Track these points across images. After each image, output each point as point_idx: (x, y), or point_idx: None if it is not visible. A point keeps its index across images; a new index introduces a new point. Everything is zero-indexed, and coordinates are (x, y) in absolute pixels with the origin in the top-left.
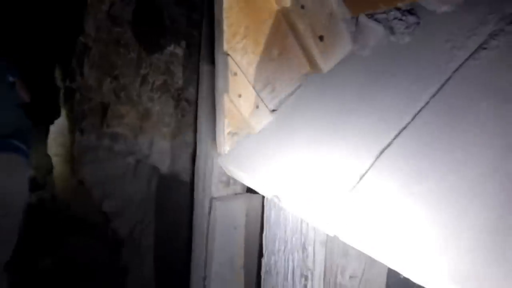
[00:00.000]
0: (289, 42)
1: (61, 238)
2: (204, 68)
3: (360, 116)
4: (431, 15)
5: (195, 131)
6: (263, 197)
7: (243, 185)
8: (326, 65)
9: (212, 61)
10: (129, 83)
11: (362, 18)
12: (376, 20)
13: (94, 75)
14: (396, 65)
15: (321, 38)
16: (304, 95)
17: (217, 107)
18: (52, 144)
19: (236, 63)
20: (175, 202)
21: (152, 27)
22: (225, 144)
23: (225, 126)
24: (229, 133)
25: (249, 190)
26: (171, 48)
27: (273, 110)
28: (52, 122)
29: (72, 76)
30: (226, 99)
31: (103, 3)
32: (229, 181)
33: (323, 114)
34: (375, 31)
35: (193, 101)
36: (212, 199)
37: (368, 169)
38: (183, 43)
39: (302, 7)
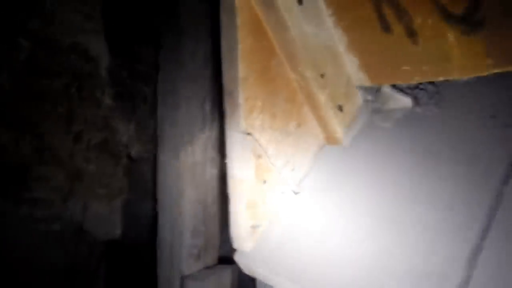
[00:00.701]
0: (304, 113)
1: None
2: (163, 126)
3: (421, 206)
4: (449, 84)
5: (152, 196)
6: (239, 270)
7: (214, 254)
8: (346, 137)
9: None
10: (57, 141)
11: (386, 88)
12: (399, 89)
13: (8, 134)
14: (436, 142)
15: (340, 108)
16: (327, 173)
17: (233, 196)
18: None
19: (260, 144)
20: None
21: (85, 79)
22: (246, 239)
23: (247, 218)
24: (252, 226)
25: (221, 261)
26: (109, 101)
27: (297, 193)
28: None
29: None
30: (247, 187)
31: (21, 51)
32: (200, 253)
33: (366, 200)
34: (398, 101)
35: (139, 159)
36: (183, 278)
37: (468, 281)
38: (126, 96)
39: (322, 76)
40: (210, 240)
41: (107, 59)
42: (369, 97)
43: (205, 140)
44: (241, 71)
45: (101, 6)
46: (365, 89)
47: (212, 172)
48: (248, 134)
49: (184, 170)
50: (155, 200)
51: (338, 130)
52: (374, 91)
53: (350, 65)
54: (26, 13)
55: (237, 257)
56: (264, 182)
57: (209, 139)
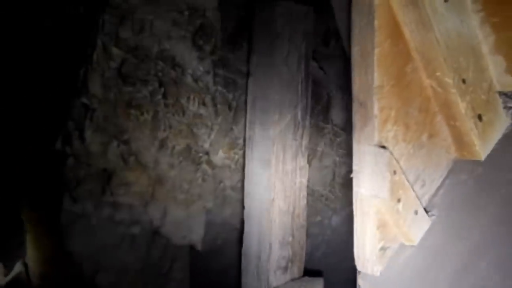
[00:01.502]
0: (437, 123)
1: None
2: (253, 132)
3: None
4: None
5: (230, 203)
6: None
7: (300, 266)
8: (483, 149)
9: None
10: (143, 148)
11: None
12: None
13: (97, 139)
14: None
15: (479, 117)
16: (462, 189)
17: (360, 214)
18: (24, 208)
19: (395, 159)
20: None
21: (171, 85)
22: (374, 262)
23: (376, 239)
24: (381, 248)
25: (306, 272)
26: (194, 108)
27: (431, 213)
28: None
29: (67, 140)
30: (379, 205)
31: (112, 60)
32: (287, 265)
33: None
34: None
35: (220, 165)
36: None
37: None
38: (209, 103)
39: (464, 81)
40: (297, 252)
41: (194, 65)
42: (511, 104)
43: (296, 148)
44: (377, 79)
45: (189, 11)
46: (507, 95)
47: (301, 181)
48: (383, 147)
49: (275, 178)
50: (233, 207)
51: (476, 142)
52: None
53: (494, 68)
54: (119, 21)
55: (361, 280)
56: (398, 200)
57: (299, 147)
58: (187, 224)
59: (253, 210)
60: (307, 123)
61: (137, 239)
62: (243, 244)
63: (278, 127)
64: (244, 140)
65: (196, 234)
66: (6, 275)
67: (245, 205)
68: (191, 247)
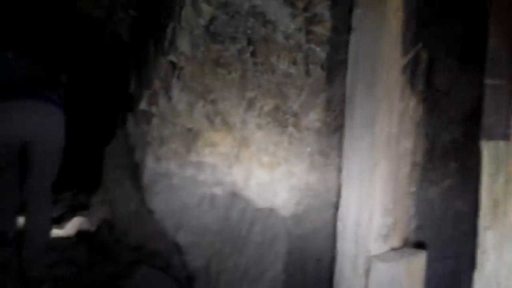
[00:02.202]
0: None
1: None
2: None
3: None
4: None
5: (319, 167)
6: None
7: (400, 236)
8: None
9: None
10: (230, 108)
11: None
12: None
13: (184, 98)
14: None
15: None
16: None
17: None
18: (109, 167)
19: None
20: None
21: (261, 43)
22: None
23: None
24: None
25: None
26: (284, 67)
27: None
28: (107, 144)
29: (153, 100)
30: None
31: (201, 17)
32: (388, 233)
33: None
34: None
35: (306, 128)
36: (370, 257)
37: None
38: (301, 62)
39: None
40: (399, 220)
41: (285, 22)
42: None
43: (403, 109)
44: None
45: None
46: None
47: (406, 145)
48: None
49: (379, 141)
50: (319, 172)
51: None
52: None
53: None
54: None
55: None
56: None
57: (406, 109)
58: (270, 187)
59: (352, 175)
60: (415, 84)
61: (217, 200)
62: (340, 209)
63: (385, 86)
64: (337, 102)
65: (279, 198)
66: None
67: (344, 169)
68: (272, 211)
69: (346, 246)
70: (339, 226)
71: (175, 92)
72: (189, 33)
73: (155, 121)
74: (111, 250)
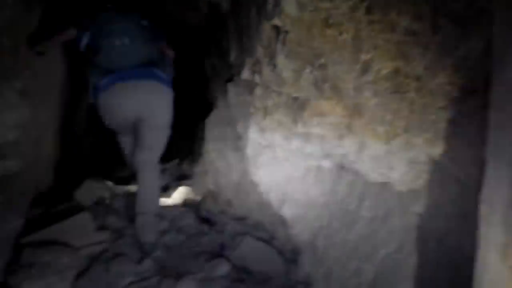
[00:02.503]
0: None
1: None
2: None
3: None
4: None
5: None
6: None
7: None
8: None
9: None
10: (341, 72)
11: None
12: None
13: (290, 65)
14: None
15: None
16: None
17: None
18: (210, 138)
19: None
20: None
21: None
22: None
23: None
24: None
25: None
26: (406, 23)
27: None
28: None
29: (255, 68)
30: None
31: None
32: None
33: None
34: None
35: (431, 92)
36: None
37: None
38: (427, 16)
39: None
40: None
41: None
42: None
43: None
44: None
45: None
46: None
47: None
48: None
49: None
50: (445, 144)
51: None
52: None
53: None
54: None
55: None
56: None
57: None
58: (386, 160)
59: (503, 147)
60: None
61: (323, 173)
62: (485, 188)
63: None
64: (474, 61)
65: (395, 172)
66: None
67: (490, 140)
68: (386, 185)
69: (492, 233)
70: (483, 208)
71: (280, 59)
72: None
73: (258, 90)
74: (216, 220)
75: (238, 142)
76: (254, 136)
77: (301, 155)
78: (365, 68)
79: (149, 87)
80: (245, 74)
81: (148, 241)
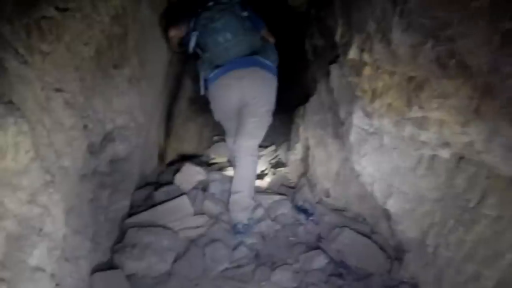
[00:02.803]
0: None
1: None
2: None
3: None
4: None
5: None
6: None
7: None
8: None
9: None
10: (472, 46)
11: None
12: None
13: (408, 41)
14: None
15: None
16: None
17: None
18: (308, 125)
19: None
20: None
21: None
22: None
23: None
24: None
25: None
26: None
27: None
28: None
29: (366, 45)
30: None
31: None
32: None
33: None
34: None
35: None
36: None
37: None
38: None
39: None
40: None
41: None
42: None
43: None
44: None
45: None
46: None
47: None
48: None
49: None
50: None
51: None
52: None
53: None
54: None
55: None
56: None
57: None
58: None
59: None
60: None
61: (438, 164)
62: None
63: None
64: None
65: None
66: None
67: None
68: None
69: None
70: None
71: (396, 34)
72: None
73: (367, 70)
74: (313, 210)
75: (339, 128)
76: (358, 122)
77: (413, 143)
78: (506, 40)
79: (253, 74)
80: (352, 53)
81: (240, 220)
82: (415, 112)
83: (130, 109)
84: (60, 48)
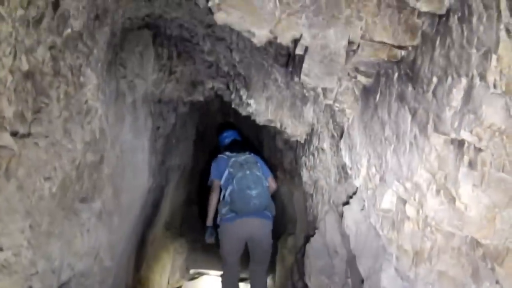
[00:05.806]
0: None
1: None
2: None
3: None
4: None
5: None
6: None
7: None
8: None
9: None
10: None
11: None
12: None
13: (485, 199)
14: None
15: None
16: None
17: None
18: (310, 271)
19: None
20: None
21: None
22: None
23: None
24: None
25: None
26: None
27: None
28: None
29: (409, 196)
30: None
31: None
32: None
33: None
34: None
35: None
36: None
37: None
38: None
39: None
40: None
41: None
42: None
43: None
44: None
45: None
46: None
47: None
48: None
49: None
50: None
51: None
52: None
53: None
54: None
55: None
56: None
57: None
58: None
59: None
60: None
61: None
62: None
63: None
64: None
65: None
66: None
67: None
68: None
69: None
70: None
71: (465, 189)
72: None
73: (409, 226)
74: None
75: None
76: (390, 285)
77: None
78: None
79: (260, 223)
80: (387, 202)
81: None
82: None
83: (96, 250)
84: (8, 188)
